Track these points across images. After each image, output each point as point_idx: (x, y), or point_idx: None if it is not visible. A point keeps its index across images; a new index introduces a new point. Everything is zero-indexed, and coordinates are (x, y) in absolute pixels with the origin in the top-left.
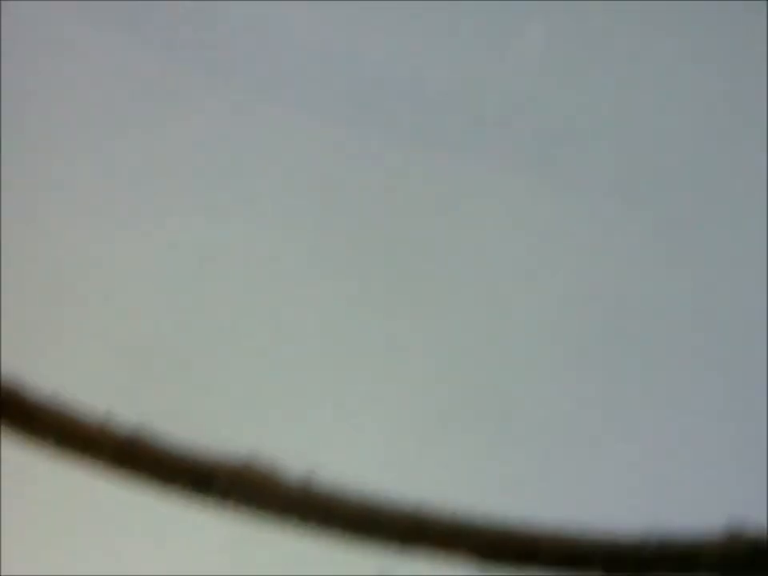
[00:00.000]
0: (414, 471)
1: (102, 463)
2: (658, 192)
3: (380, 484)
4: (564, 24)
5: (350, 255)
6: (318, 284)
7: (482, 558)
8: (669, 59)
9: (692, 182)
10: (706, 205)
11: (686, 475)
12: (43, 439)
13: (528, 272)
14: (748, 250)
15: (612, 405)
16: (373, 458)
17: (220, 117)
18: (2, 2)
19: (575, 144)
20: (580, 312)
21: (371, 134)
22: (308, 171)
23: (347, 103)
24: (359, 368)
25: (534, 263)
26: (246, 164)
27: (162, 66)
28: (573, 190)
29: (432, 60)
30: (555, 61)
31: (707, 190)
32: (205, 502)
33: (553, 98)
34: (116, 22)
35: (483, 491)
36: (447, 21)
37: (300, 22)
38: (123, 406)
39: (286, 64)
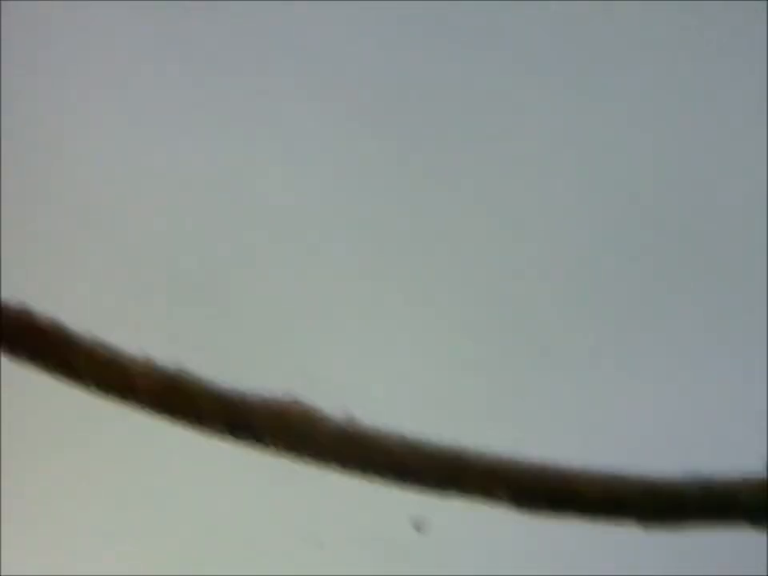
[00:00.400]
0: (450, 411)
1: (142, 404)
2: None
3: (418, 424)
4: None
5: (380, 195)
6: (355, 221)
7: (518, 500)
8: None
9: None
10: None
11: (722, 417)
12: (83, 379)
13: (558, 217)
14: None
15: (651, 347)
16: (410, 399)
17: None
18: (2, 1)
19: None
20: (620, 248)
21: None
22: None
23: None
24: (397, 306)
25: (564, 201)
26: None
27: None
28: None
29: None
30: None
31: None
32: (244, 442)
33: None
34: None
35: (521, 432)
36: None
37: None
38: (161, 347)
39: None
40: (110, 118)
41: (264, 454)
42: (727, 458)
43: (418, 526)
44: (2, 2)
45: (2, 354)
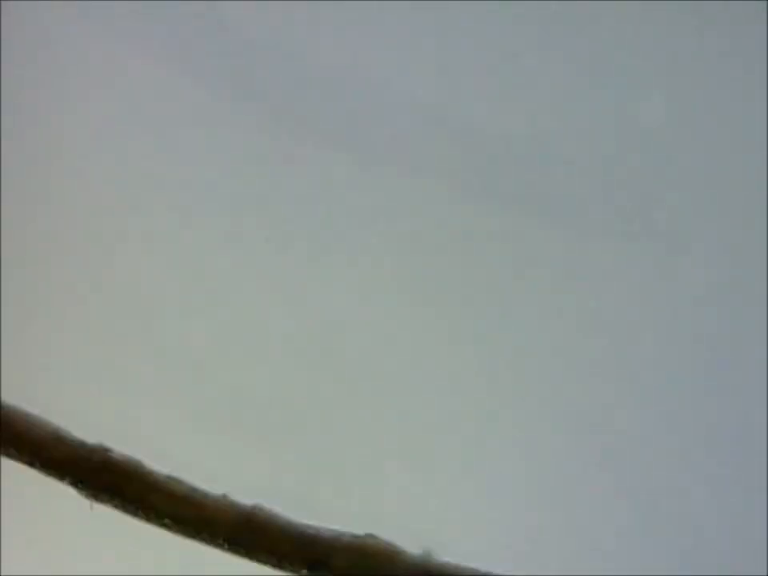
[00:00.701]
0: (525, 550)
1: (219, 540)
2: None
3: (493, 561)
4: None
5: (476, 344)
6: (439, 369)
7: None
8: None
9: None
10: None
11: None
12: (160, 517)
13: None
14: None
15: None
16: (486, 536)
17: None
18: (2, 1)
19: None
20: None
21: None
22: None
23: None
24: (472, 447)
25: None
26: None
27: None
28: None
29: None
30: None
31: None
32: None
33: None
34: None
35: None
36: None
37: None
38: (239, 485)
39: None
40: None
41: None
42: None
43: None
44: (2, 1)
45: (82, 493)
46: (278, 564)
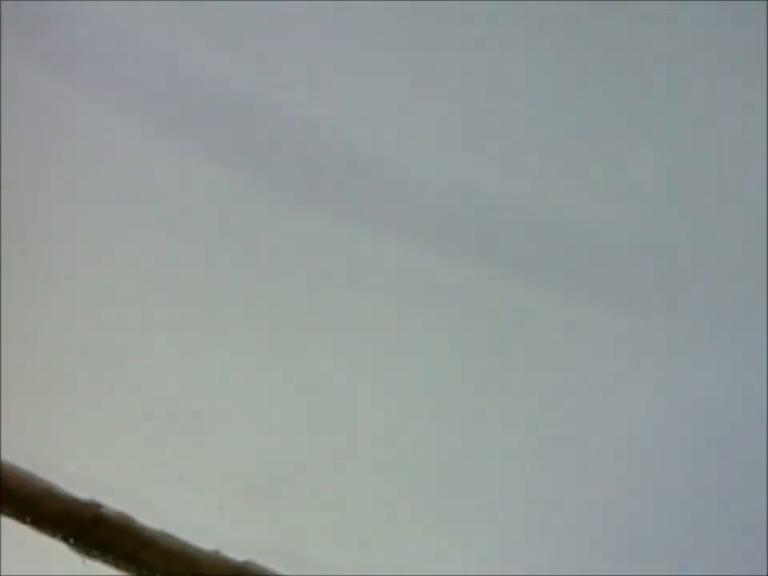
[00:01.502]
0: None
1: None
2: None
3: None
4: None
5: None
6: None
7: None
8: None
9: None
10: None
11: None
12: (153, 571)
13: None
14: None
15: None
16: None
17: None
18: (2, 1)
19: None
20: None
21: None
22: None
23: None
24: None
25: None
26: None
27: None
28: None
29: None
30: None
31: None
32: None
33: None
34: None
35: None
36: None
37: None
38: (231, 541)
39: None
40: None
41: None
42: None
43: None
44: (2, 1)
45: (74, 549)
46: None
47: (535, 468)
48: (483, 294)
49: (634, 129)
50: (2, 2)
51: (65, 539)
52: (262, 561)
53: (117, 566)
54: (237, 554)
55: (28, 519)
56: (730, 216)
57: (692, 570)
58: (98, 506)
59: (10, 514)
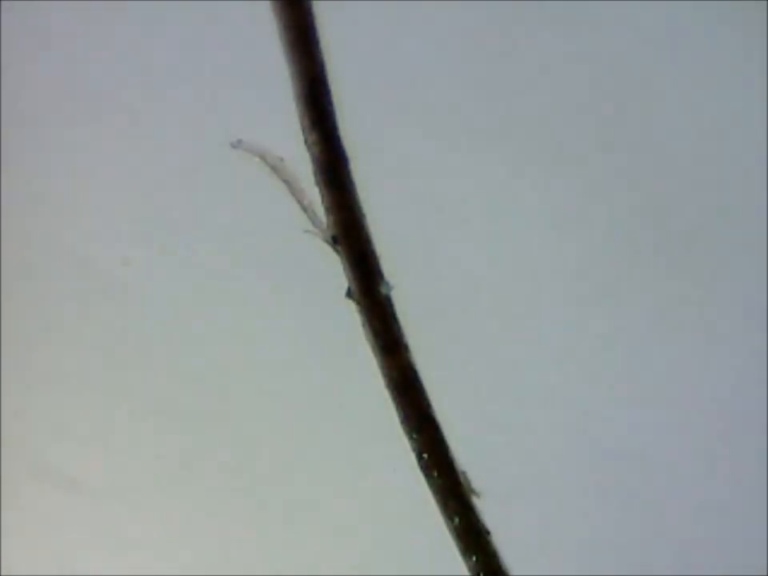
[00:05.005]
0: None
1: None
2: None
3: None
4: None
5: None
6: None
7: None
8: None
9: None
10: None
11: None
12: None
13: None
14: None
15: None
16: None
17: None
18: (2, 1)
19: None
20: None
21: None
22: None
23: None
24: None
25: None
26: None
27: None
28: None
29: None
30: None
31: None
32: None
33: None
34: None
35: None
36: None
37: None
38: None
39: None
40: None
41: None
42: None
43: None
44: (2, 1)
45: None
46: None
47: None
48: None
49: None
50: (2, 2)
51: None
52: None
53: None
54: None
55: None
56: None
57: (692, 569)
58: None
59: None
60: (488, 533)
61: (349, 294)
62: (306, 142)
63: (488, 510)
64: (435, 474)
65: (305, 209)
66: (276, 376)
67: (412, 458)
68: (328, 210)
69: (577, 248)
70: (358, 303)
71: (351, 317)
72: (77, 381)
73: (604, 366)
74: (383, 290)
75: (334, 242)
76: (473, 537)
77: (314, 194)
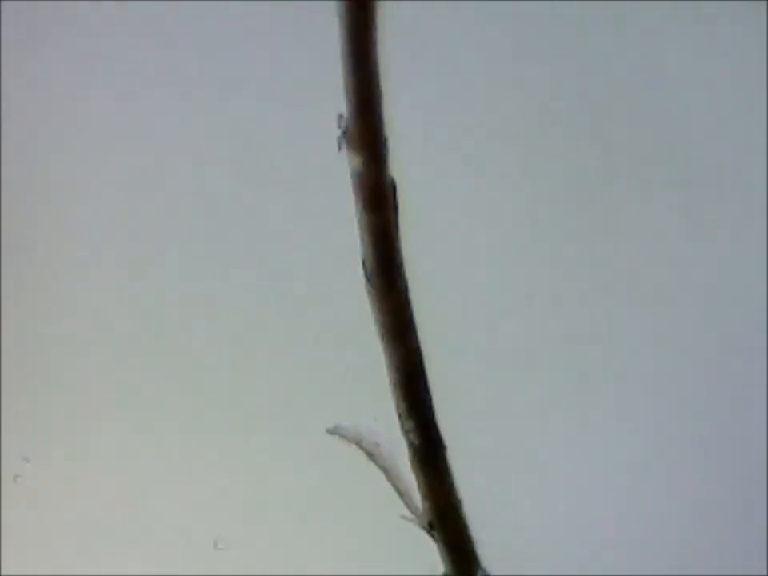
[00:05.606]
0: None
1: None
2: None
3: None
4: None
5: None
6: None
7: None
8: None
9: None
10: None
11: None
12: None
13: None
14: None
15: None
16: None
17: None
18: (2, 1)
19: None
20: None
21: None
22: None
23: None
24: None
25: None
26: None
27: None
28: None
29: None
30: None
31: None
32: None
33: None
34: None
35: None
36: None
37: None
38: None
39: None
40: None
41: None
42: None
43: None
44: (2, 1)
45: None
46: None
47: None
48: None
49: None
50: (2, 2)
51: None
52: None
53: None
54: None
55: None
56: None
57: (692, 569)
58: None
59: None
60: None
61: None
62: (402, 428)
63: None
64: None
65: (401, 494)
66: None
67: None
68: (424, 496)
69: None
70: None
71: None
72: (77, 381)
73: None
74: None
75: (431, 527)
76: None
77: (410, 480)
